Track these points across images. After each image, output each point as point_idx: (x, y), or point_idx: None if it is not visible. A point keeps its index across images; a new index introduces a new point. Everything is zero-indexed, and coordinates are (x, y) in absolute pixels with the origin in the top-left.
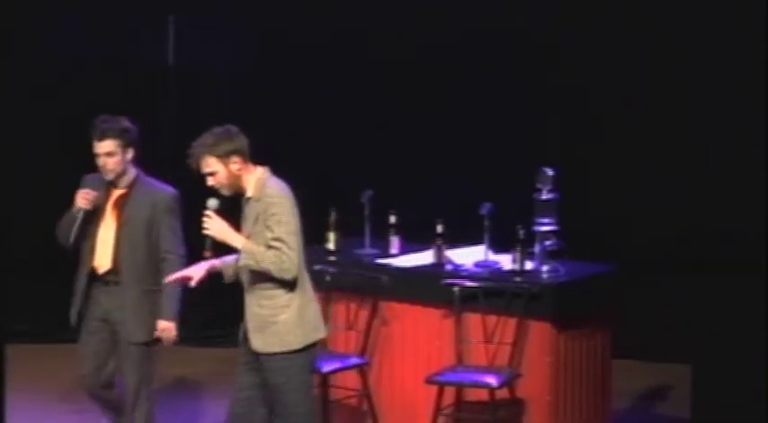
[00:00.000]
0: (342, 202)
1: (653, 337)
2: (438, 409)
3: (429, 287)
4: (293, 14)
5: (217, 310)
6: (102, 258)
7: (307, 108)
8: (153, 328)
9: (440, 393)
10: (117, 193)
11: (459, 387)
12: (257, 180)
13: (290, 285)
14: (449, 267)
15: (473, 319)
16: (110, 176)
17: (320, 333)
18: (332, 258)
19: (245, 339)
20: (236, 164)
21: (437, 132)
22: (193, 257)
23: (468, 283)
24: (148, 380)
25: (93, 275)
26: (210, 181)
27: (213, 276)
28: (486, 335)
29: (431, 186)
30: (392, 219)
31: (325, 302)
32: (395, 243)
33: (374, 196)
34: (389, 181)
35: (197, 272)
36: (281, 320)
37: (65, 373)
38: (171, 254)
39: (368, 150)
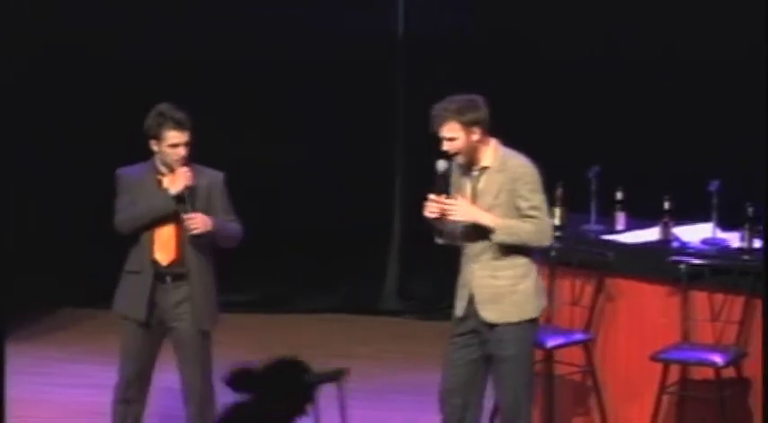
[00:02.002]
0: (569, 178)
1: None
2: (662, 387)
3: (655, 264)
4: None
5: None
6: (164, 250)
7: (536, 82)
8: (216, 315)
9: (664, 371)
10: (167, 179)
11: (684, 365)
12: (494, 151)
13: (528, 254)
14: (675, 244)
15: (699, 297)
16: (179, 166)
17: (546, 301)
18: (558, 234)
19: (469, 312)
20: (476, 134)
21: (667, 107)
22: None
23: (695, 261)
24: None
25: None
26: (447, 145)
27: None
28: (713, 313)
29: (659, 162)
30: (619, 195)
31: (550, 277)
32: (621, 219)
33: (601, 172)
34: (617, 156)
35: None
36: (521, 290)
37: None
38: (232, 221)
39: (596, 125)
